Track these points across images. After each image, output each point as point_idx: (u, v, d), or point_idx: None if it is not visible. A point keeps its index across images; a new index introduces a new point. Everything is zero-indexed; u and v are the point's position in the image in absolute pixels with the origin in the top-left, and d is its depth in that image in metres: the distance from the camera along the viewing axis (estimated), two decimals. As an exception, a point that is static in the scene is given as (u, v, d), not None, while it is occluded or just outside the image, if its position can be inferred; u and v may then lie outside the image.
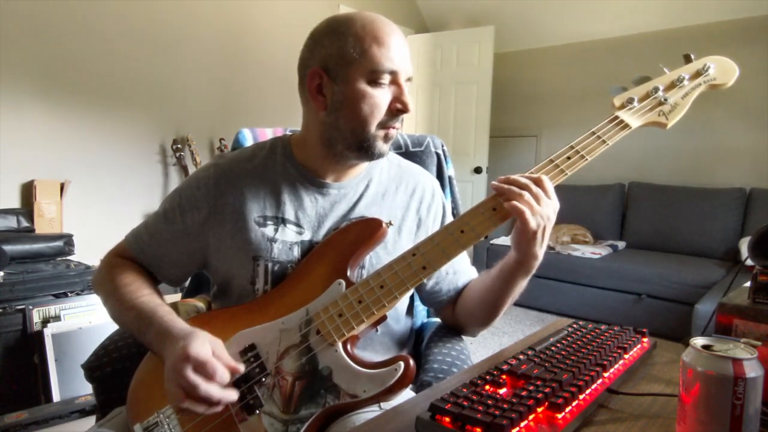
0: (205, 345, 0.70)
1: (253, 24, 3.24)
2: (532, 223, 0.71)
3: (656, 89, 0.81)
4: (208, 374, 0.67)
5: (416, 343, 1.06)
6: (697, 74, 0.82)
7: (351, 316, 0.74)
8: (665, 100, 0.81)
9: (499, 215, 0.74)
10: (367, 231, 0.81)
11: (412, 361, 0.71)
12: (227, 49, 3.11)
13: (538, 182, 0.73)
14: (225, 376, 0.69)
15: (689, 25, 3.52)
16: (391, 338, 0.92)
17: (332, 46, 0.80)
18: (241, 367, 0.72)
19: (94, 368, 0.94)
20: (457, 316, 0.97)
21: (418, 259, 0.75)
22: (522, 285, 0.83)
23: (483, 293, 0.89)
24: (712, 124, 3.43)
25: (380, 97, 0.80)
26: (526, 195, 0.71)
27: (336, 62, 0.80)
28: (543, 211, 0.72)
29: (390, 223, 0.83)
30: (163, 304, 0.82)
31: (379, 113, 0.81)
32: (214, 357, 0.69)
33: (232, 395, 0.69)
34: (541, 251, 0.76)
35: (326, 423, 0.72)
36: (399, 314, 0.93)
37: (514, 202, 0.71)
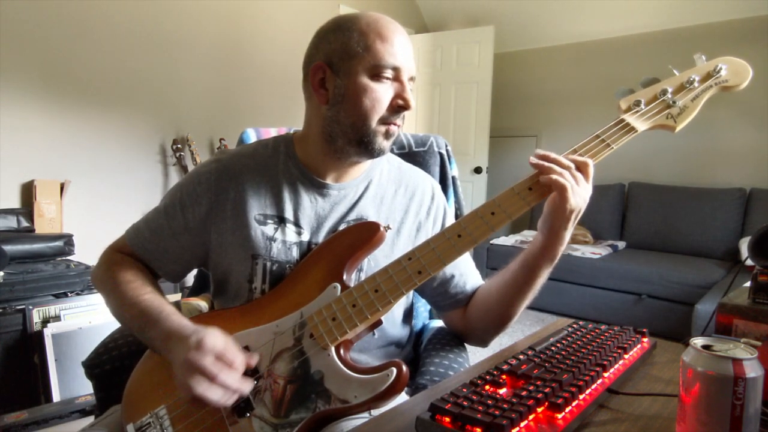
0: (220, 337, 0.71)
1: (253, 24, 3.23)
2: (572, 201, 0.71)
3: (664, 91, 0.79)
4: (227, 362, 0.69)
5: (416, 345, 1.05)
6: (708, 76, 0.79)
7: (344, 320, 0.73)
8: (674, 102, 0.78)
9: (497, 219, 0.72)
10: (365, 234, 0.80)
11: (405, 367, 0.69)
12: (227, 49, 3.11)
13: (580, 166, 0.73)
14: (242, 365, 0.70)
15: (690, 25, 3.52)
16: (389, 342, 0.91)
17: (337, 41, 0.81)
18: (254, 360, 0.73)
19: (94, 365, 0.94)
20: (468, 320, 0.93)
21: (413, 264, 0.73)
22: (545, 276, 0.82)
23: (501, 289, 0.86)
24: (712, 125, 3.43)
25: (382, 92, 0.80)
26: (568, 173, 0.71)
27: (340, 56, 0.81)
28: (582, 192, 0.72)
29: (388, 227, 0.82)
30: (167, 303, 0.82)
31: (380, 108, 0.81)
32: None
33: (248, 385, 0.71)
34: (567, 236, 0.76)
35: (316, 428, 0.71)
36: (396, 318, 0.92)
37: (556, 177, 0.70)
